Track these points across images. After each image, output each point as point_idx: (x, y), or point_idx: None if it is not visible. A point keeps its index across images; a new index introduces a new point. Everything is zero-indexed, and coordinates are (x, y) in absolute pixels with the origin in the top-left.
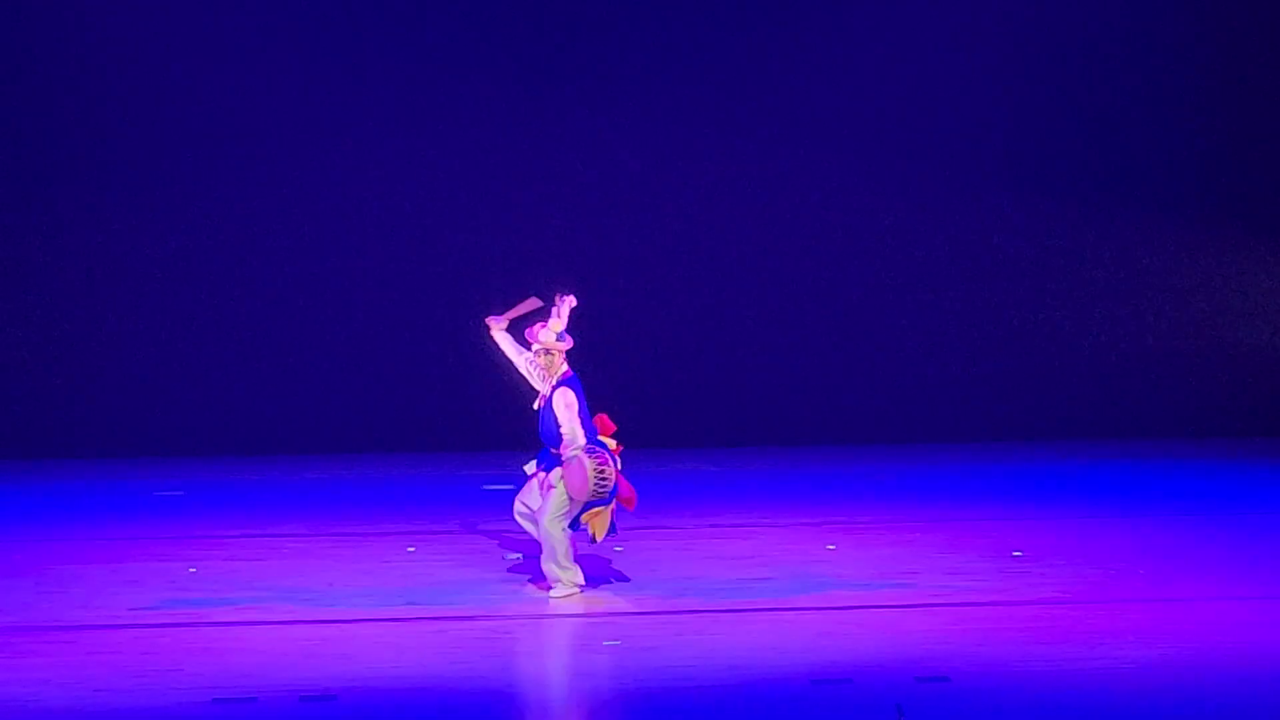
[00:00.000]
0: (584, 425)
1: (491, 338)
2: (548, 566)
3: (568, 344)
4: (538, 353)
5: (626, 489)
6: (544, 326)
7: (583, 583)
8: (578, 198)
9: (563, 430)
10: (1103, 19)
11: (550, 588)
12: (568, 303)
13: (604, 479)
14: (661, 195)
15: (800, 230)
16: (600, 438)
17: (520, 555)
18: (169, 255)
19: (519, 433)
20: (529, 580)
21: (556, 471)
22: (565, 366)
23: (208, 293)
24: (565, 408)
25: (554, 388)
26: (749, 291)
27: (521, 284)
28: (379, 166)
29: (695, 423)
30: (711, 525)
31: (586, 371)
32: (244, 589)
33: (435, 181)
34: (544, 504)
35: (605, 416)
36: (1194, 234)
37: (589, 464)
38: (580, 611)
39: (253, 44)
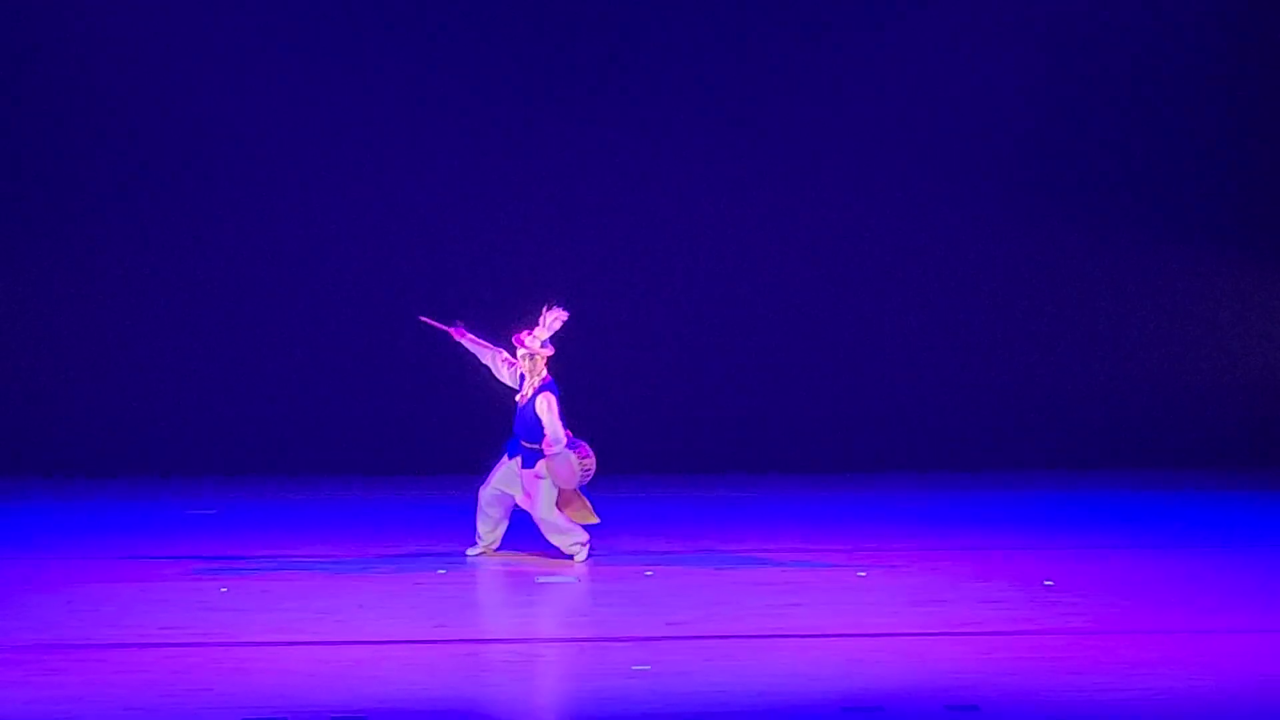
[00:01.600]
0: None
1: (457, 341)
2: (554, 539)
3: (549, 351)
4: (522, 357)
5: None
6: (530, 333)
7: (587, 538)
8: (584, 218)
9: (547, 432)
10: (1125, 38)
11: (568, 556)
12: (555, 315)
13: (588, 470)
14: (681, 220)
15: (823, 256)
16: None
17: (559, 578)
18: (209, 278)
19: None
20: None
21: (542, 464)
22: (545, 372)
23: (246, 315)
24: (548, 410)
25: (536, 391)
26: (778, 318)
27: (533, 299)
28: (408, 177)
29: (724, 448)
30: (740, 551)
31: (609, 396)
32: (275, 609)
33: (451, 198)
34: (534, 500)
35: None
36: (1229, 261)
37: (573, 458)
38: (611, 636)
39: (267, 63)
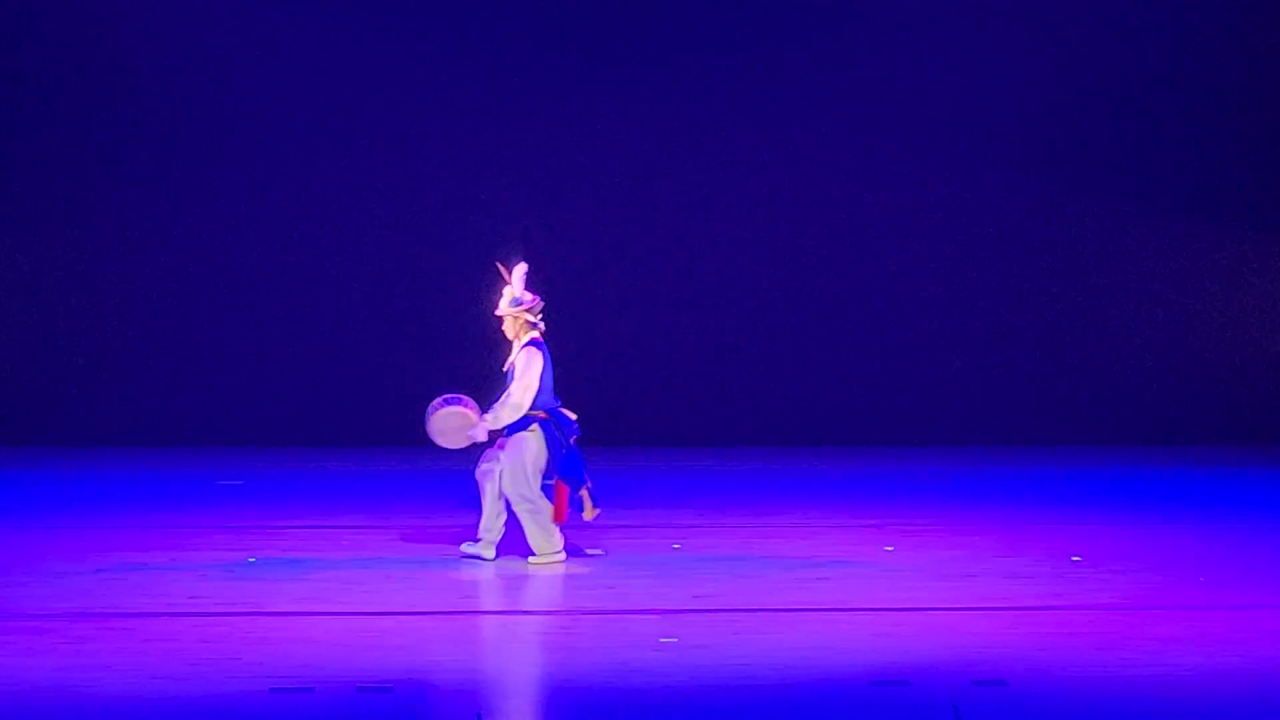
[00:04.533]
0: (546, 391)
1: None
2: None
3: (528, 303)
4: (506, 328)
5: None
6: (500, 296)
7: (558, 550)
8: (591, 199)
9: (511, 386)
10: (1132, 13)
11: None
12: (515, 268)
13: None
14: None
15: (852, 227)
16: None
17: (591, 549)
18: (237, 245)
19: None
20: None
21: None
22: (534, 332)
23: (276, 284)
24: (525, 366)
25: (521, 347)
26: (806, 290)
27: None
28: (411, 160)
29: (751, 420)
30: (768, 525)
31: (637, 368)
32: (303, 579)
33: (456, 180)
34: (510, 469)
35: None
36: (1250, 234)
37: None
38: (638, 609)
39: (254, 47)
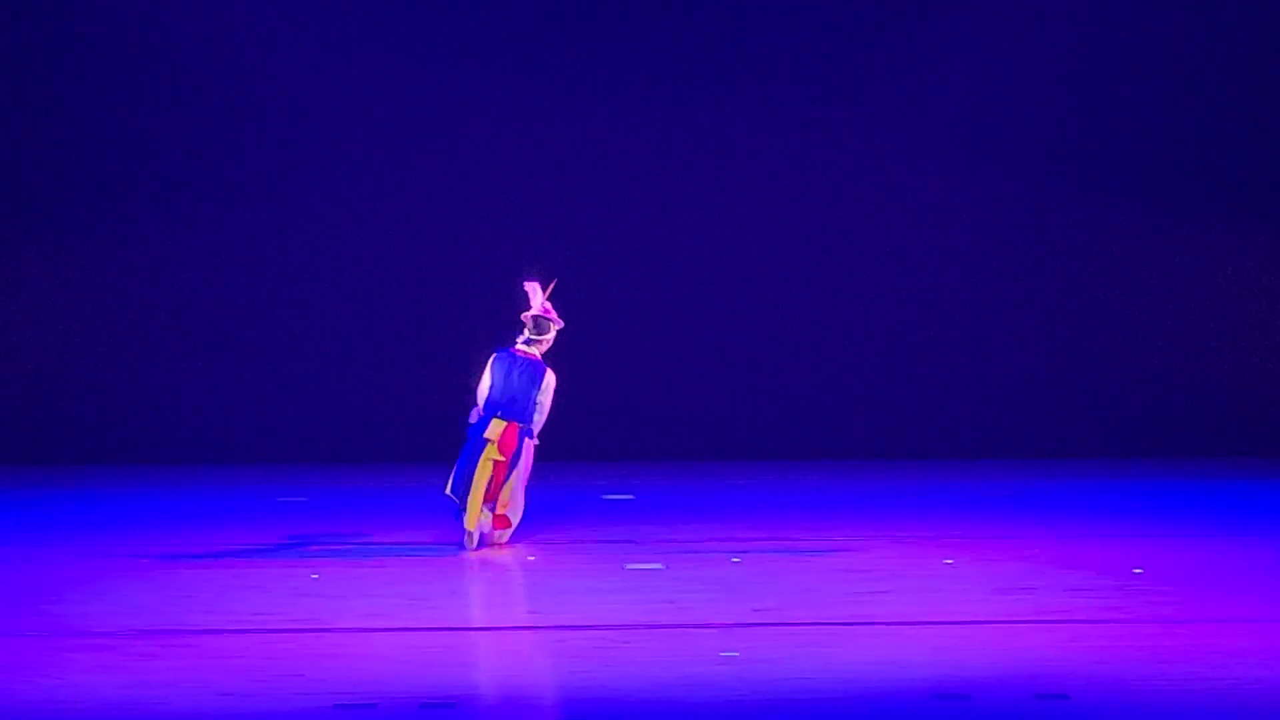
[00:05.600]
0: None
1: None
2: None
3: (558, 324)
4: (535, 318)
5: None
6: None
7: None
8: (598, 206)
9: (543, 400)
10: (1140, 11)
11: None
12: (531, 287)
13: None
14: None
15: (887, 236)
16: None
17: (647, 565)
18: (284, 262)
19: (626, 444)
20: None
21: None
22: (541, 346)
23: (323, 299)
24: (549, 384)
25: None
26: (855, 302)
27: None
28: (421, 169)
29: (808, 433)
30: (827, 538)
31: (694, 383)
32: (366, 596)
33: (466, 191)
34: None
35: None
36: None
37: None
38: (699, 623)
39: (265, 49)
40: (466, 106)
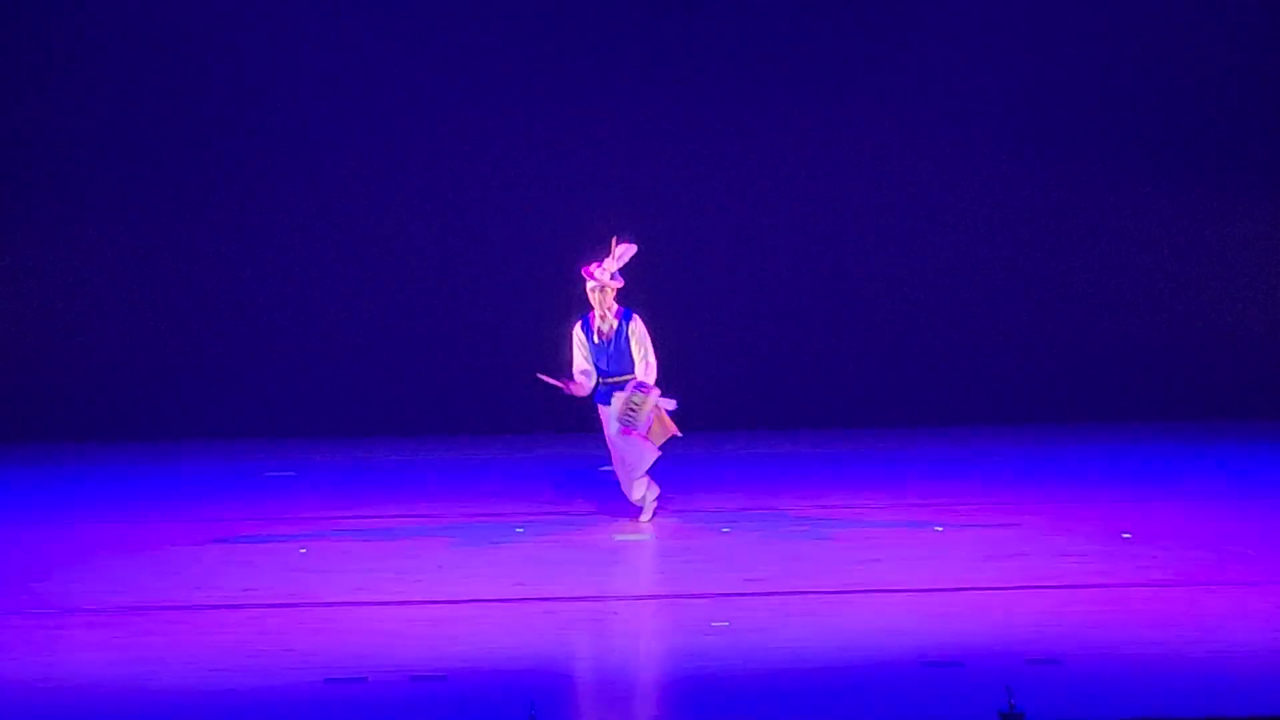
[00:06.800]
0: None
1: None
2: (634, 490)
3: (619, 283)
4: (592, 290)
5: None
6: (600, 265)
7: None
8: (627, 183)
9: (649, 357)
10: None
11: (638, 510)
12: (625, 247)
13: (632, 411)
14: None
15: (886, 208)
16: None
17: (636, 536)
18: (286, 238)
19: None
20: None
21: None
22: (615, 304)
23: (320, 275)
24: (646, 332)
25: (622, 318)
26: (852, 271)
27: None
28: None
29: (797, 403)
30: (818, 507)
31: (681, 355)
32: (354, 570)
33: (482, 169)
34: (635, 441)
35: None
36: None
37: (624, 396)
38: (689, 594)
39: (261, 40)
40: (467, 96)
